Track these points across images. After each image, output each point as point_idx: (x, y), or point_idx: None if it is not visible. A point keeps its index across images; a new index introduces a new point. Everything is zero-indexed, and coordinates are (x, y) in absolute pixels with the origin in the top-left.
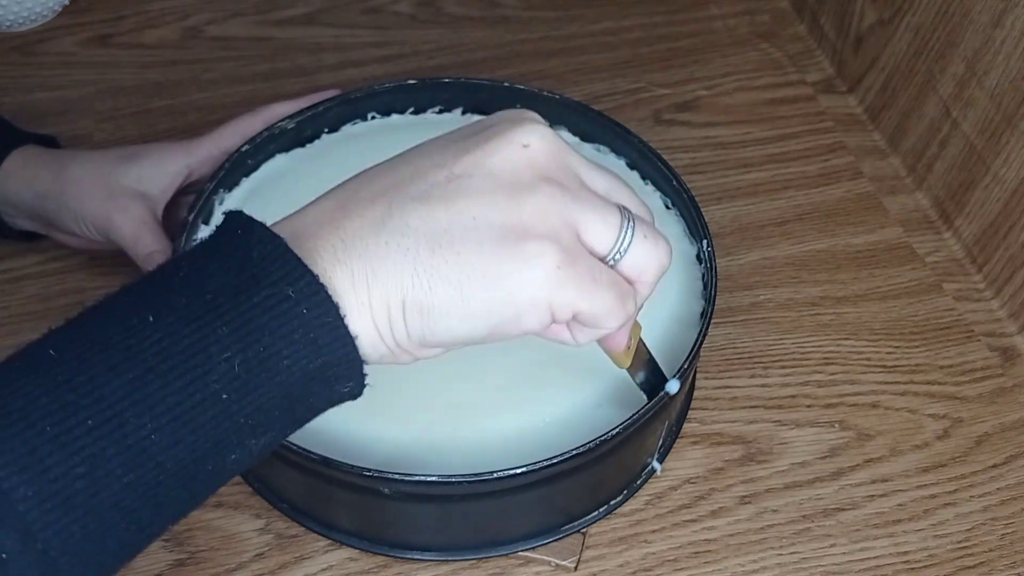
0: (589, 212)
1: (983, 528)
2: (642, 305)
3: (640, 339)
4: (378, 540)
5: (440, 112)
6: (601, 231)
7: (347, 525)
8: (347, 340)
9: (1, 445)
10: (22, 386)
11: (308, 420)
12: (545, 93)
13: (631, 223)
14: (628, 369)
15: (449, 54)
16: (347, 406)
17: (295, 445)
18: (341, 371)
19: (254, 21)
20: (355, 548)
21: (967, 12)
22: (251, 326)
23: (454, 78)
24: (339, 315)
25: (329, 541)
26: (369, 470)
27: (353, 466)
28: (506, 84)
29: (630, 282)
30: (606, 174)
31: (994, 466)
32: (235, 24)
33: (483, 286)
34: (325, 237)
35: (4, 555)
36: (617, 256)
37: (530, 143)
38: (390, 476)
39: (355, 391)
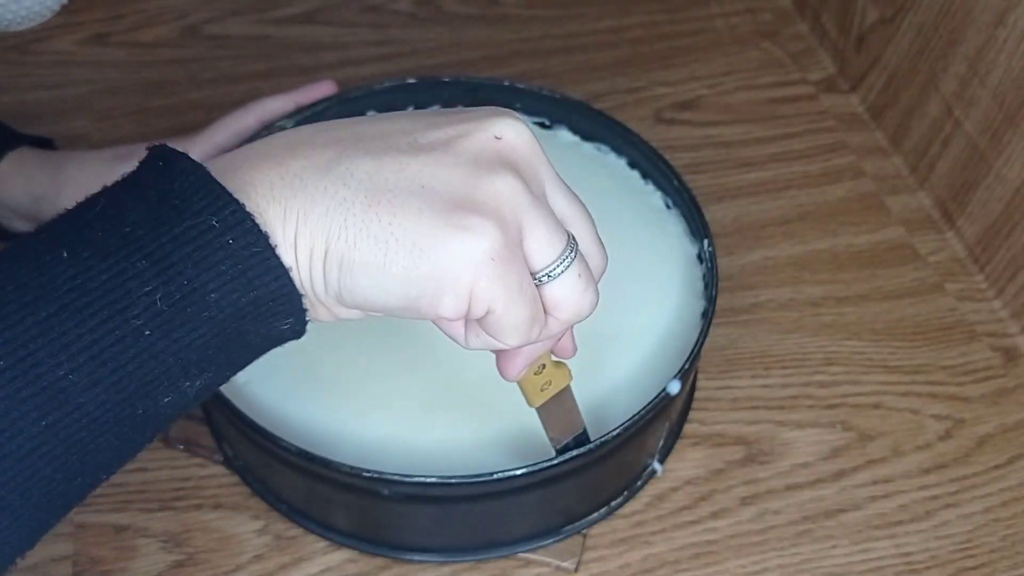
0: (540, 221)
1: (985, 529)
2: (550, 343)
3: (569, 390)
4: (377, 541)
5: None
6: (543, 246)
7: (346, 526)
8: (280, 272)
9: None
10: None
11: (249, 360)
12: (545, 92)
13: (573, 255)
14: (539, 414)
15: (449, 53)
16: (348, 407)
17: (294, 446)
18: (277, 306)
19: (252, 20)
20: (354, 549)
21: (969, 11)
22: (173, 258)
23: (454, 77)
24: (269, 245)
25: (328, 542)
26: (369, 471)
27: (352, 467)
28: (506, 83)
29: (545, 311)
30: (574, 201)
31: (996, 467)
32: (233, 23)
33: (409, 254)
34: (265, 172)
35: None
36: (545, 278)
37: (504, 136)
38: (389, 477)
39: (296, 328)
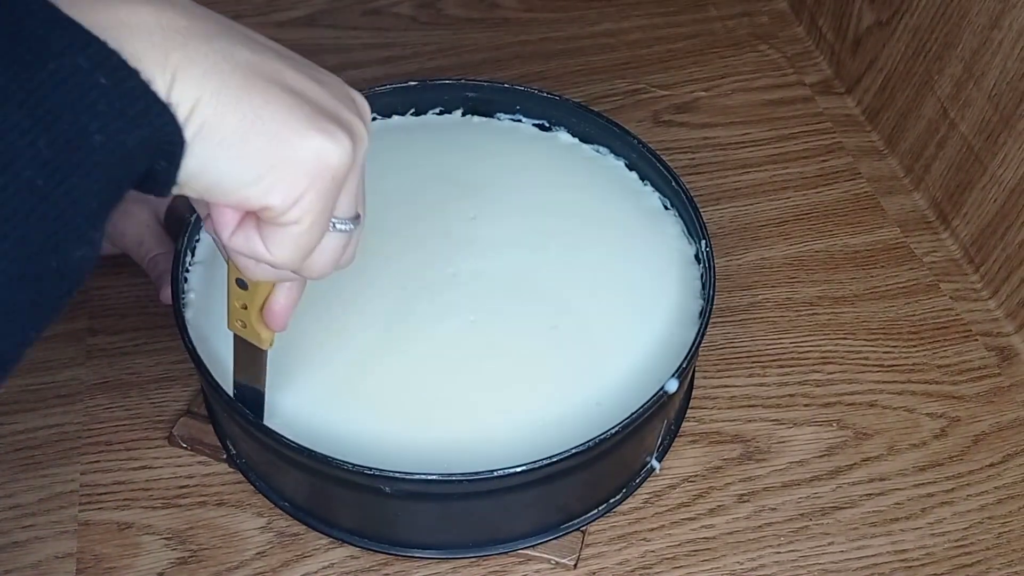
0: (358, 181)
1: (980, 527)
2: (269, 273)
3: (261, 353)
4: (379, 538)
5: (440, 113)
6: (349, 200)
7: (348, 523)
8: (161, 108)
9: None
10: None
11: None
12: (545, 94)
13: (356, 227)
14: (234, 344)
15: (449, 55)
16: (349, 405)
17: (297, 443)
18: (164, 148)
19: (255, 22)
20: (356, 546)
21: (965, 13)
22: (47, 104)
23: (454, 79)
24: (142, 81)
25: (330, 539)
26: (370, 468)
27: (354, 464)
28: (506, 85)
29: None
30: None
31: (991, 465)
32: None
33: (270, 139)
34: (143, 16)
35: None
36: (333, 225)
37: (358, 102)
38: (391, 474)
39: (165, 179)
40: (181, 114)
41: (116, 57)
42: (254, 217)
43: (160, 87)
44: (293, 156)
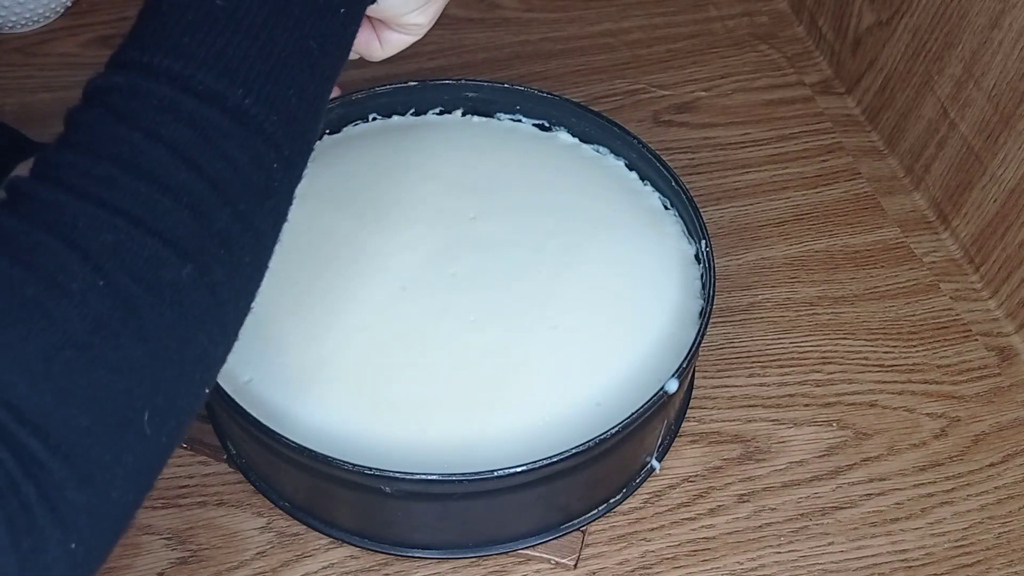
0: None
1: (980, 527)
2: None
3: None
4: (379, 538)
5: (440, 113)
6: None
7: (348, 523)
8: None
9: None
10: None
11: None
12: (545, 94)
13: None
14: None
15: (449, 55)
16: (350, 405)
17: (297, 443)
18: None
19: None
20: (356, 546)
21: (965, 13)
22: (325, 13)
23: (454, 79)
24: None
25: (330, 539)
26: (370, 468)
27: (354, 464)
28: (506, 85)
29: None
30: None
31: (991, 465)
32: None
33: None
34: None
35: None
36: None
37: None
38: (391, 474)
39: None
40: None
41: None
42: (371, 24)
43: None
44: None
